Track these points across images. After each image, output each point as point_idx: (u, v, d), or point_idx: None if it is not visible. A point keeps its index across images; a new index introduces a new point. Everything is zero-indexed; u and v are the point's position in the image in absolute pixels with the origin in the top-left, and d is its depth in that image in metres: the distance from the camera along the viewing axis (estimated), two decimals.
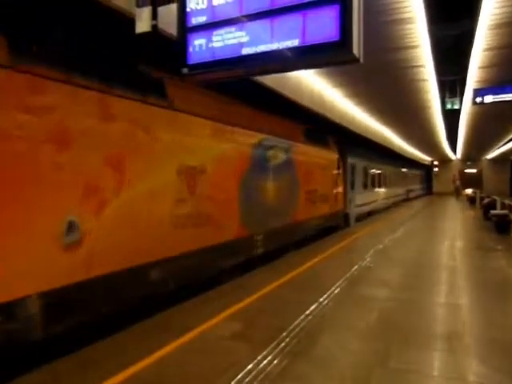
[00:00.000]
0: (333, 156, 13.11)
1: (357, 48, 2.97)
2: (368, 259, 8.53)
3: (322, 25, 2.98)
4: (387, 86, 11.75)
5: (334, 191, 13.12)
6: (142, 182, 4.88)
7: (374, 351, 3.94)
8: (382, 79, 10.84)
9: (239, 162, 7.30)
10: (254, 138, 7.98)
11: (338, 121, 13.16)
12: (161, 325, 4.61)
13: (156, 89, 5.27)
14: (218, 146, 6.63)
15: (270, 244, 8.41)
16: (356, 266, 7.75)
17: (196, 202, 5.89)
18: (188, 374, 3.45)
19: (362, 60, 3.09)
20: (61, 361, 3.62)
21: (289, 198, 9.46)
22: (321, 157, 11.98)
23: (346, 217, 14.67)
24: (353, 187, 15.29)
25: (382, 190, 22.38)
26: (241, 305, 5.31)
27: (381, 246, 10.20)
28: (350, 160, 14.94)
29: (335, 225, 13.31)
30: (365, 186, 17.60)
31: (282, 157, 9.09)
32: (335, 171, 13.22)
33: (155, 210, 5.09)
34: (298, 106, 10.12)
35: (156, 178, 5.12)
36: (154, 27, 3.87)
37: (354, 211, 15.42)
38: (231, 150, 7.03)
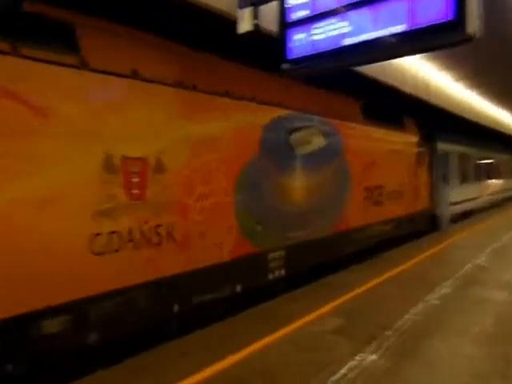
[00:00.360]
0: (411, 140, 10.38)
1: (473, 25, 2.70)
2: (483, 258, 7.74)
3: (433, 4, 2.77)
4: (508, 64, 10.45)
5: (414, 186, 10.43)
6: (14, 184, 3.14)
7: (491, 359, 3.59)
8: (500, 57, 9.68)
9: (234, 150, 5.12)
10: (264, 114, 5.64)
11: (447, 108, 12.09)
12: (265, 314, 4.77)
13: (52, 37, 3.46)
14: (192, 126, 4.57)
15: (299, 263, 6.27)
16: (469, 265, 7.09)
17: (147, 212, 4.04)
18: (290, 364, 3.53)
19: (477, 37, 2.80)
20: (164, 347, 3.93)
21: (332, 199, 7.04)
22: (391, 141, 9.23)
23: (434, 218, 11.72)
24: (445, 180, 12.40)
25: (490, 182, 19.08)
26: (343, 299, 5.24)
27: (498, 244, 9.18)
28: (442, 146, 12.17)
29: (415, 230, 10.45)
30: (464, 179, 14.59)
31: (319, 142, 6.70)
32: (414, 160, 10.50)
33: (47, 228, 3.29)
34: (400, 94, 9.52)
35: (49, 178, 3.33)
36: (256, 26, 3.98)
37: (446, 211, 12.31)
38: (217, 132, 4.91)
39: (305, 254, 6.36)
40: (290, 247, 6.05)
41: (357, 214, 7.78)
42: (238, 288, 5.15)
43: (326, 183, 6.89)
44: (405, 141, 10.13)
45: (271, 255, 5.77)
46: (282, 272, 5.95)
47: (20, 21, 3.35)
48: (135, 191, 3.98)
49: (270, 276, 5.76)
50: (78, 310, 3.50)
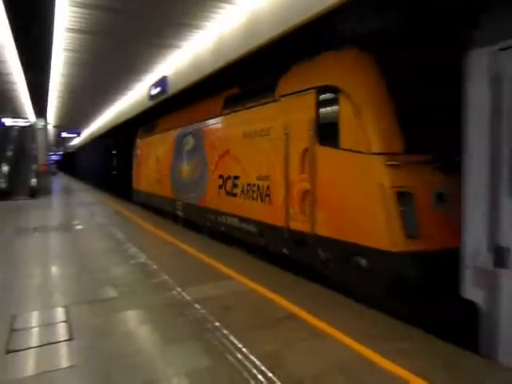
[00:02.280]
0: None
1: None
2: None
3: None
4: None
5: None
6: None
7: None
8: None
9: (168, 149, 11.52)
10: (177, 132, 11.53)
11: None
12: None
13: None
14: None
15: (187, 214, 10.59)
16: None
17: None
18: None
19: None
20: None
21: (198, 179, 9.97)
22: None
23: None
24: None
25: None
26: None
27: None
28: None
29: None
30: None
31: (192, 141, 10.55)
32: None
33: None
34: None
35: None
36: None
37: None
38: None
39: (188, 211, 10.38)
40: (184, 203, 10.52)
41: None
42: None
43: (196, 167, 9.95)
44: None
45: (177, 203, 10.99)
46: (181, 213, 10.82)
47: None
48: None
49: (178, 212, 10.97)
50: None
